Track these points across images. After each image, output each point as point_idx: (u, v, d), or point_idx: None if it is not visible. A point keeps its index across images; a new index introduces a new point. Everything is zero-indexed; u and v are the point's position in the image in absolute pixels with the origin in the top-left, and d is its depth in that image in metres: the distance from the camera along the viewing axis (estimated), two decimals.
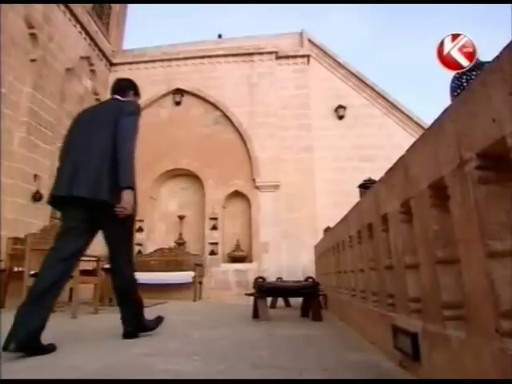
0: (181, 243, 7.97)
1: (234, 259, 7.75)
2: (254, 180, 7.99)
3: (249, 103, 8.33)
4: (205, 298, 7.33)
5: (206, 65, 8.59)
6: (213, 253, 7.78)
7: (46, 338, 2.17)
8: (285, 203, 7.90)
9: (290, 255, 7.63)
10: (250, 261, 7.69)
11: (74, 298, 3.97)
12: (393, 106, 8.67)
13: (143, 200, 8.07)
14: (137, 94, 3.03)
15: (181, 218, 8.17)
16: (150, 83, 8.43)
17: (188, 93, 8.53)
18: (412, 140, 7.24)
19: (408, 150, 1.69)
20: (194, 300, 6.81)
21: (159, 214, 8.38)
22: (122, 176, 2.39)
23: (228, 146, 8.22)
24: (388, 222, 2.03)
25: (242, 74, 8.47)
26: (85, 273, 4.20)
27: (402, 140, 8.58)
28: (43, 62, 6.16)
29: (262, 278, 5.25)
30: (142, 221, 8.01)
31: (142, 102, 8.23)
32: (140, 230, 7.95)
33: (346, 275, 3.55)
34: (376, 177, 7.87)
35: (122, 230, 2.63)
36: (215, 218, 7.93)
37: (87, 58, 7.60)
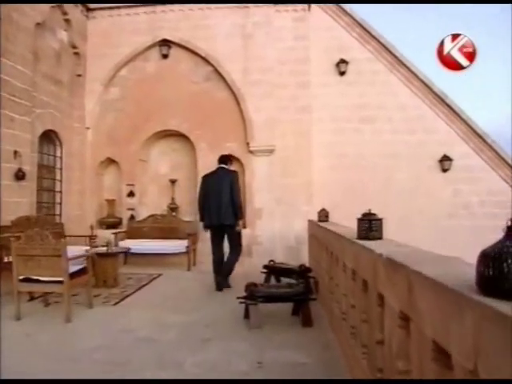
0: (174, 208, 7.92)
1: None
2: (247, 144, 7.68)
3: (243, 58, 7.65)
4: (199, 264, 7.50)
5: (196, 11, 7.70)
6: None
7: None
8: (280, 168, 7.70)
9: (283, 222, 7.65)
10: (244, 227, 7.70)
11: (65, 300, 3.98)
12: (398, 62, 8.03)
13: (133, 163, 7.86)
14: (231, 160, 5.98)
15: (172, 181, 8.01)
16: (134, 33, 7.67)
17: (176, 44, 7.77)
18: (416, 100, 6.99)
19: None
20: (188, 269, 6.96)
21: (150, 177, 8.19)
22: (238, 213, 5.40)
23: (220, 106, 7.75)
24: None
25: (236, 23, 7.65)
26: (76, 273, 4.15)
27: (406, 99, 8.17)
28: (9, 21, 5.44)
29: (272, 261, 5.39)
30: (132, 185, 7.86)
31: (125, 55, 7.61)
32: (131, 194, 7.83)
33: (338, 289, 3.53)
34: (375, 140, 7.59)
35: (235, 236, 5.52)
36: None
37: (59, 7, 6.74)
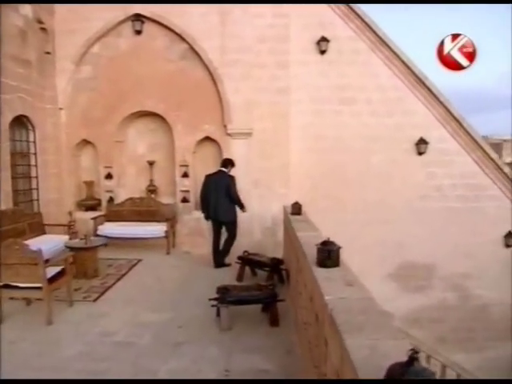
0: (152, 190, 8.04)
1: None
2: (225, 126, 7.68)
3: (219, 35, 7.44)
4: (179, 245, 7.80)
5: None
6: (185, 200, 7.95)
7: None
8: (257, 151, 7.81)
9: (260, 204, 7.87)
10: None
11: (45, 304, 4.23)
12: (381, 41, 7.91)
13: (109, 144, 7.85)
14: (232, 165, 6.64)
15: (150, 163, 8.05)
16: (105, 6, 7.24)
17: (149, 20, 7.46)
18: (396, 81, 7.16)
19: None
20: (168, 253, 7.25)
21: (128, 158, 8.21)
22: (239, 206, 6.52)
23: (197, 87, 7.65)
24: None
25: None
26: (54, 277, 4.37)
27: (386, 80, 8.18)
28: None
29: (246, 251, 5.74)
30: (110, 167, 7.89)
31: (96, 30, 7.33)
32: (109, 176, 7.89)
33: (301, 298, 3.83)
34: (355, 122, 7.70)
35: (230, 227, 6.49)
36: (186, 165, 7.86)
37: None
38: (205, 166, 8.08)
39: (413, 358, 1.35)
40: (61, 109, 7.69)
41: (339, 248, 3.20)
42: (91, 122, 7.76)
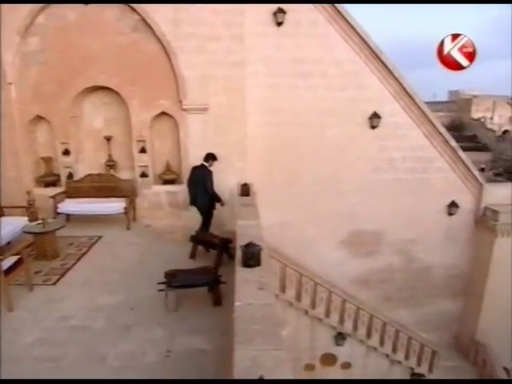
0: (111, 165, 8.22)
1: (165, 181, 8.28)
2: (180, 102, 7.78)
3: (172, 7, 7.28)
4: (140, 218, 8.17)
5: None
6: (144, 175, 8.20)
7: None
8: (214, 125, 7.99)
9: (218, 178, 8.15)
10: (181, 182, 8.26)
11: (3, 294, 4.64)
12: (338, 13, 7.95)
13: (65, 120, 7.88)
14: (213, 159, 7.20)
15: (108, 138, 8.16)
16: None
17: None
18: (352, 55, 7.67)
19: None
20: (128, 228, 7.64)
21: (85, 133, 8.27)
22: (214, 199, 7.11)
23: (151, 61, 7.60)
24: None
25: None
26: (12, 267, 4.73)
27: (342, 54, 8.36)
28: None
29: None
30: (66, 143, 7.97)
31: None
32: (66, 152, 7.99)
33: None
34: (310, 96, 7.96)
35: (206, 215, 7.12)
36: (143, 141, 8.02)
37: None
38: (162, 141, 8.31)
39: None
40: (10, 83, 7.55)
41: (260, 249, 3.69)
42: (44, 98, 7.69)
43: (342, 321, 8.15)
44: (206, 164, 7.22)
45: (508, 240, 8.75)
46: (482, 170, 24.19)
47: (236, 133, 8.09)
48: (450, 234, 9.30)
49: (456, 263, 9.49)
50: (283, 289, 7.87)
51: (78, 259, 6.21)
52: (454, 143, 8.86)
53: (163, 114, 8.01)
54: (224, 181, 8.20)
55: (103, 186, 7.86)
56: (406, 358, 8.64)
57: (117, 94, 7.93)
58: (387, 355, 8.56)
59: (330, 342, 8.37)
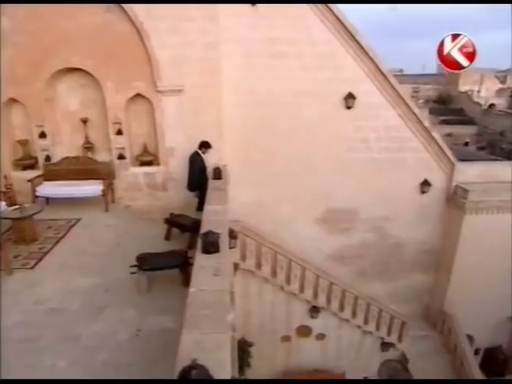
0: (89, 147, 8.34)
1: (143, 163, 8.46)
2: (155, 83, 7.84)
3: None
4: (118, 200, 8.39)
5: None
6: (121, 157, 8.35)
7: None
8: (190, 107, 8.10)
9: None
10: (158, 164, 8.45)
11: None
12: None
13: (39, 103, 7.93)
14: (206, 147, 7.72)
15: (84, 121, 8.23)
16: None
17: None
18: (328, 35, 7.94)
19: None
20: (106, 210, 7.87)
21: (61, 115, 8.33)
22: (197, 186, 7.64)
23: (125, 42, 7.61)
24: None
25: None
26: None
27: (318, 34, 8.38)
28: None
29: (172, 213, 6.47)
30: (42, 126, 8.04)
31: None
32: (43, 135, 8.07)
33: None
34: (286, 76, 8.07)
35: (200, 197, 7.30)
36: (119, 123, 8.12)
37: None
38: (139, 123, 8.42)
39: (193, 366, 2.16)
40: None
41: (219, 236, 3.97)
42: (17, 80, 7.68)
43: (315, 295, 8.62)
44: (199, 151, 7.75)
45: (476, 217, 9.17)
46: (467, 143, 24.67)
47: (212, 114, 8.21)
48: (422, 211, 9.70)
49: (427, 239, 9.95)
50: (259, 266, 8.25)
51: (56, 243, 6.47)
52: (427, 123, 9.10)
53: (138, 95, 8.08)
54: None
55: (81, 168, 8.02)
56: (377, 328, 9.22)
57: (91, 75, 7.96)
58: (359, 326, 9.11)
59: (305, 315, 8.87)
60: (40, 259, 5.91)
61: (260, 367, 9.18)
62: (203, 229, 4.47)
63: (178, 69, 7.78)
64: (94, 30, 7.50)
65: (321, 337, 9.22)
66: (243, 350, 8.85)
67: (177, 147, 8.31)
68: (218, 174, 6.52)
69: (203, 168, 7.75)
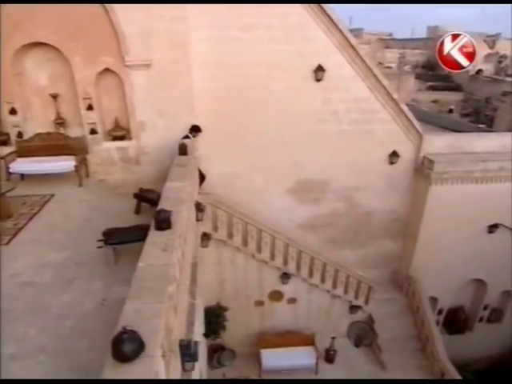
0: (60, 123, 8.50)
1: (115, 137, 8.67)
2: (123, 58, 7.92)
3: None
4: (92, 174, 8.68)
5: None
6: (93, 132, 8.54)
7: None
8: (159, 81, 8.23)
9: (167, 133, 8.61)
10: (130, 138, 8.68)
11: None
12: None
13: (6, 79, 8.00)
14: (196, 131, 8.21)
15: (54, 96, 8.34)
16: None
17: None
18: (298, 7, 8.44)
19: None
20: (80, 185, 8.16)
21: (31, 90, 8.38)
22: None
23: (91, 16, 7.62)
24: None
25: None
26: None
27: (287, 6, 8.47)
28: None
29: (141, 188, 6.81)
30: (11, 102, 8.15)
31: None
32: (13, 112, 8.19)
33: None
34: (255, 49, 8.22)
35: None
36: (89, 98, 8.25)
37: None
38: (110, 97, 8.55)
39: (124, 331, 2.58)
40: None
41: (170, 214, 4.33)
42: None
43: (285, 262, 9.18)
44: (189, 135, 8.23)
45: (441, 187, 9.63)
46: (451, 110, 24.85)
47: (181, 88, 8.38)
48: (390, 181, 10.13)
49: (396, 208, 10.45)
50: (231, 236, 8.72)
51: (30, 219, 6.80)
52: (395, 96, 9.34)
53: (107, 70, 8.17)
54: (172, 136, 8.65)
55: (53, 144, 8.21)
56: (345, 292, 9.88)
57: (59, 50, 8.00)
58: (328, 291, 9.77)
59: (277, 281, 9.47)
60: (14, 235, 6.26)
61: (235, 330, 9.89)
62: (159, 206, 4.84)
63: (145, 43, 7.85)
64: (59, 5, 7.48)
65: (292, 301, 9.88)
66: (218, 314, 9.51)
67: (148, 121, 8.51)
68: (183, 149, 6.80)
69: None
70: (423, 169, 9.74)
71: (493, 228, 10.36)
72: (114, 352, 2.56)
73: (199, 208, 7.04)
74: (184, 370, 4.01)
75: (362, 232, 10.60)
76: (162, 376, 3.23)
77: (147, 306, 3.09)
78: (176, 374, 3.75)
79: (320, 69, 8.85)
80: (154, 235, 4.17)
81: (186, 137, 8.22)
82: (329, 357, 9.86)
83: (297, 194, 9.97)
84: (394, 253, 10.98)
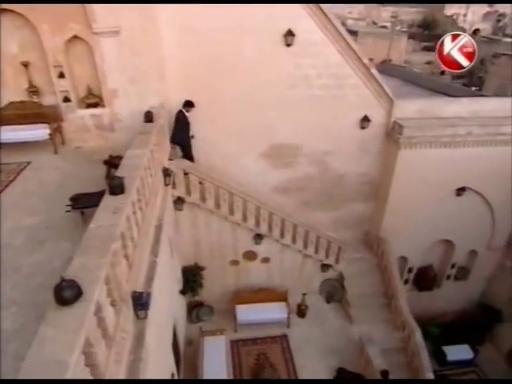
0: (34, 91, 8.78)
1: (89, 105, 8.99)
2: (91, 25, 8.10)
3: None
4: (68, 141, 9.08)
5: None
6: (66, 100, 8.85)
7: None
8: (128, 48, 8.43)
9: (138, 100, 8.91)
10: (103, 106, 9.00)
11: None
12: None
13: None
14: (189, 106, 9.06)
15: (25, 65, 8.57)
16: None
17: None
18: None
19: None
20: (56, 152, 8.59)
21: (2, 58, 8.58)
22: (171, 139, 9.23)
23: None
24: None
25: None
26: None
27: None
28: None
29: (110, 155, 7.16)
30: None
31: None
32: None
33: None
34: (224, 13, 8.50)
35: (184, 149, 9.39)
36: (60, 66, 8.49)
37: None
38: (81, 65, 8.78)
39: (63, 280, 3.13)
40: None
41: (123, 180, 4.81)
42: None
43: (257, 224, 9.75)
44: (183, 110, 9.02)
45: (410, 152, 10.04)
46: (443, 72, 24.59)
47: (152, 54, 8.61)
48: (362, 146, 10.52)
49: (368, 172, 10.91)
50: (204, 199, 9.24)
51: (7, 186, 7.28)
52: (366, 60, 9.54)
53: (77, 38, 8.37)
54: (144, 103, 8.97)
55: (28, 113, 8.54)
56: (316, 252, 10.55)
57: (26, 18, 8.16)
58: (300, 251, 10.42)
59: (250, 241, 10.08)
60: None
61: (213, 288, 10.66)
62: (121, 172, 5.32)
63: (112, 9, 7.99)
64: None
65: (266, 260, 10.57)
66: (195, 273, 10.23)
67: (120, 89, 8.80)
68: (149, 117, 7.16)
69: (187, 125, 9.22)
70: (393, 133, 10.11)
71: (461, 191, 10.88)
72: (55, 297, 3.11)
73: (166, 173, 7.51)
74: (138, 317, 4.66)
75: (334, 195, 11.13)
76: (112, 322, 3.85)
77: (91, 261, 3.64)
78: (128, 321, 4.38)
79: (290, 33, 9.01)
80: (107, 199, 4.67)
81: (180, 112, 9.02)
82: (300, 311, 10.68)
83: (270, 158, 10.40)
84: (365, 215, 11.57)
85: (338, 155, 10.59)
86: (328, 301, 11.14)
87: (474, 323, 12.38)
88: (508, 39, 26.53)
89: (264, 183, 10.57)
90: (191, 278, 10.13)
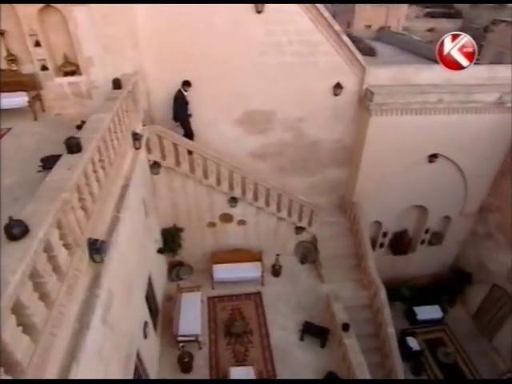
0: (12, 59, 9.36)
1: (66, 73, 9.57)
2: None
3: None
4: (48, 108, 9.73)
5: None
6: (44, 68, 9.42)
7: None
8: (101, 17, 8.90)
9: (113, 67, 9.45)
10: (80, 73, 9.57)
11: None
12: None
13: None
14: (187, 85, 10.02)
15: (1, 33, 9.11)
16: None
17: None
18: None
19: None
20: (35, 119, 9.26)
21: None
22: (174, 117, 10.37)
23: None
24: None
25: None
26: None
27: None
28: None
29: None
30: None
31: None
32: None
33: None
34: None
35: (183, 126, 10.45)
36: (35, 34, 9.02)
37: None
38: (57, 34, 9.29)
39: (12, 220, 3.87)
40: None
41: (79, 139, 5.48)
42: None
43: (231, 188, 10.45)
44: (181, 89, 9.97)
45: (381, 118, 10.51)
46: None
47: (124, 23, 9.10)
48: (335, 112, 11.00)
49: (341, 138, 11.44)
50: (178, 164, 9.92)
51: None
52: (337, 27, 9.89)
53: (50, 7, 8.85)
54: (120, 69, 9.49)
55: (6, 81, 9.11)
56: (289, 215, 11.27)
57: None
58: (273, 214, 11.15)
59: (225, 204, 10.82)
60: None
61: (192, 248, 11.51)
62: (79, 134, 5.99)
63: None
64: None
65: (242, 223, 11.33)
66: (174, 234, 11.05)
67: (95, 57, 9.34)
68: (117, 84, 7.74)
69: (185, 103, 10.17)
70: (365, 100, 10.56)
71: (433, 158, 11.39)
72: (6, 234, 3.86)
73: (136, 137, 8.16)
74: (94, 261, 5.44)
75: (309, 160, 11.72)
76: (65, 261, 4.62)
77: (42, 207, 4.37)
78: (83, 263, 5.16)
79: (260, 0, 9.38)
80: (65, 158, 5.37)
81: (179, 91, 9.95)
82: (275, 271, 11.53)
83: (244, 124, 10.96)
84: (340, 180, 12.18)
85: (312, 121, 11.10)
86: (302, 262, 11.95)
87: (446, 286, 13.18)
88: None
89: (241, 149, 11.18)
90: (170, 239, 10.96)
